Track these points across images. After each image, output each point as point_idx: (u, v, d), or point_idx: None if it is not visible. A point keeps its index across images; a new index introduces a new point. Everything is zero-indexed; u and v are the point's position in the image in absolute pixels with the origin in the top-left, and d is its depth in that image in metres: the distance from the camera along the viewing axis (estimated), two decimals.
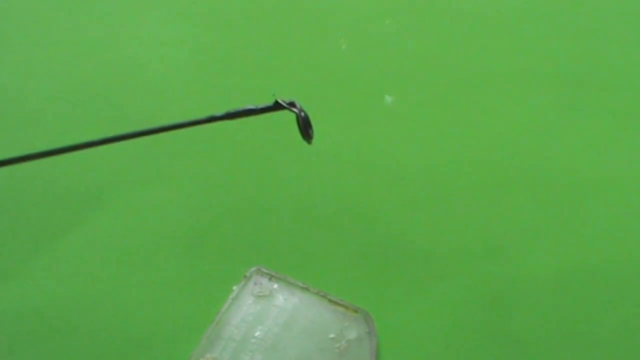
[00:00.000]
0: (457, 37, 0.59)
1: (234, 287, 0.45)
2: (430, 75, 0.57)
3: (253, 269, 0.45)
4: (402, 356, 0.43)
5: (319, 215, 0.47)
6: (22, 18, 0.62)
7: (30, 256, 0.48)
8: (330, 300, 0.43)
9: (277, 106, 0.34)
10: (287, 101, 0.34)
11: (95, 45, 0.60)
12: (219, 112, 0.36)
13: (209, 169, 0.53)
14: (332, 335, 0.42)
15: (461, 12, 0.61)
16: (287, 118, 0.35)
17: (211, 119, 0.35)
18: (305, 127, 0.34)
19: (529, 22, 0.60)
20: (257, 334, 0.42)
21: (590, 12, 0.60)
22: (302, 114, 0.34)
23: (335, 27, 0.60)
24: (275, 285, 0.45)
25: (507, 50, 0.58)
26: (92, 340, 0.44)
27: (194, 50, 0.59)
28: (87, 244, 0.49)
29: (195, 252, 0.48)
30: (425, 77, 0.57)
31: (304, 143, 0.35)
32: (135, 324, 0.45)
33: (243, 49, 0.59)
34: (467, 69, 0.58)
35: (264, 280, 0.45)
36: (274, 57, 0.58)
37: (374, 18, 0.60)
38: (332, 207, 0.47)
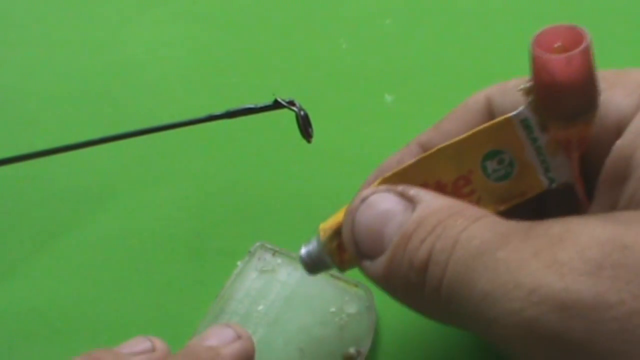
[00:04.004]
0: (458, 37, 0.59)
1: (238, 262, 0.45)
2: (430, 75, 0.57)
3: (257, 244, 0.45)
4: (400, 330, 0.42)
5: (319, 215, 0.48)
6: (22, 18, 0.62)
7: (30, 256, 0.48)
8: (332, 275, 0.43)
9: (276, 105, 0.34)
10: (287, 100, 0.34)
11: (95, 45, 0.60)
12: (218, 111, 0.36)
13: (208, 167, 0.53)
14: (332, 309, 0.42)
15: (462, 12, 0.61)
16: (287, 117, 0.35)
17: (210, 118, 0.35)
18: (304, 126, 0.34)
19: (530, 22, 0.60)
20: (260, 308, 0.42)
21: (591, 12, 0.60)
22: (302, 112, 0.34)
23: (335, 27, 0.60)
24: (279, 260, 0.44)
25: (507, 50, 0.58)
26: (95, 329, 0.44)
27: (194, 50, 0.59)
28: (87, 243, 0.49)
29: (200, 235, 0.48)
30: (425, 77, 0.57)
31: (304, 142, 0.35)
32: (140, 299, 0.45)
33: (243, 49, 0.59)
34: (468, 69, 0.58)
35: (268, 256, 0.45)
36: (274, 57, 0.58)
37: (374, 18, 0.60)
38: (332, 206, 0.47)
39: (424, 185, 0.30)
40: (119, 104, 0.56)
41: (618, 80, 0.28)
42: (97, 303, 0.46)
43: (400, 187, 0.30)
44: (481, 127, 0.29)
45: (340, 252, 0.33)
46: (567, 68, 0.24)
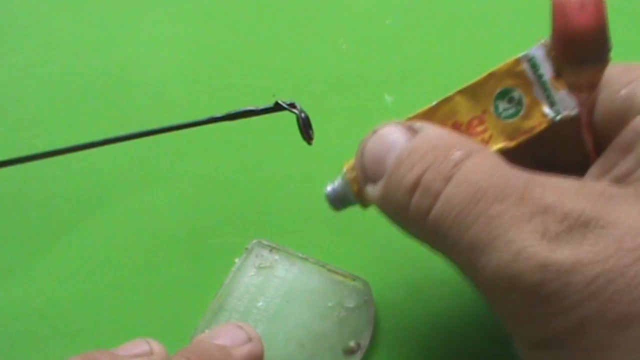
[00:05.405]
0: (458, 37, 0.59)
1: (236, 260, 0.45)
2: (430, 75, 0.57)
3: (254, 241, 0.46)
4: (398, 322, 0.43)
5: (317, 212, 0.48)
6: (22, 18, 0.62)
7: (30, 256, 0.49)
8: (329, 270, 0.44)
9: (277, 107, 0.34)
10: (288, 102, 0.34)
11: (95, 45, 0.60)
12: (218, 111, 0.36)
13: (208, 168, 0.53)
14: (330, 304, 0.42)
15: (462, 11, 0.61)
16: (288, 119, 0.35)
17: (211, 120, 0.35)
18: (305, 128, 0.34)
19: (530, 22, 0.60)
20: (259, 304, 0.43)
21: None
22: (303, 115, 0.34)
23: (335, 27, 0.60)
24: (276, 257, 0.45)
25: (507, 50, 0.58)
26: (94, 329, 0.44)
27: (194, 50, 0.59)
28: (87, 243, 0.49)
29: (198, 232, 0.48)
30: (425, 77, 0.57)
31: (304, 143, 0.35)
32: (139, 299, 0.46)
33: (243, 49, 0.59)
34: (468, 69, 0.57)
35: (265, 252, 0.45)
36: (274, 57, 0.58)
37: (374, 18, 0.60)
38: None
39: (442, 125, 0.33)
40: (119, 104, 0.56)
41: None
42: (97, 303, 0.46)
43: (409, 121, 0.33)
44: (494, 68, 0.32)
45: (357, 183, 0.36)
46: (580, 14, 0.26)
